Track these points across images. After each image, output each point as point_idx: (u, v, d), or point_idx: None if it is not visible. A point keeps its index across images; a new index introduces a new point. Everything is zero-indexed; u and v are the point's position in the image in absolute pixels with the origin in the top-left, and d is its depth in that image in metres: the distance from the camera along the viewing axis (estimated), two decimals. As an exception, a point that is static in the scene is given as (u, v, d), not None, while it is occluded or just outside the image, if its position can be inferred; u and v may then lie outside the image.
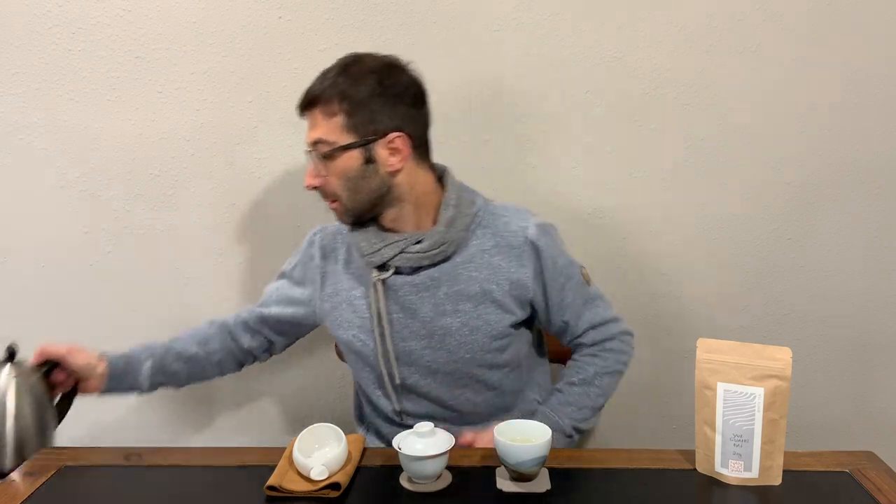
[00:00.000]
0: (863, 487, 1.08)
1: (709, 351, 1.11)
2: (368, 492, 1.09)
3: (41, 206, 1.64)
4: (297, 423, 1.76)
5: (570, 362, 1.38)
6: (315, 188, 1.26)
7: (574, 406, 1.31)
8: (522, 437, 1.09)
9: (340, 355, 1.53)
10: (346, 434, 1.14)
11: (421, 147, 1.27)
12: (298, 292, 1.39)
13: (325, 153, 1.22)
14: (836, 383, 1.74)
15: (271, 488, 1.06)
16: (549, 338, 1.48)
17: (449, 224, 1.26)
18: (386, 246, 1.26)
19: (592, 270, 1.68)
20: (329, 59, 1.57)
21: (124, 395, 1.39)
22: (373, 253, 1.27)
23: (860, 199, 1.64)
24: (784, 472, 1.10)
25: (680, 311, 1.71)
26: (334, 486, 1.06)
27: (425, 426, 1.08)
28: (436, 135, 1.61)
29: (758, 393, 1.07)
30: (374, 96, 1.20)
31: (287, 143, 1.62)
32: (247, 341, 1.42)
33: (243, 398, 1.76)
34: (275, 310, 1.41)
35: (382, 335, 1.30)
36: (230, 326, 1.43)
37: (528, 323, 1.37)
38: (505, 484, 1.08)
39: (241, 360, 1.45)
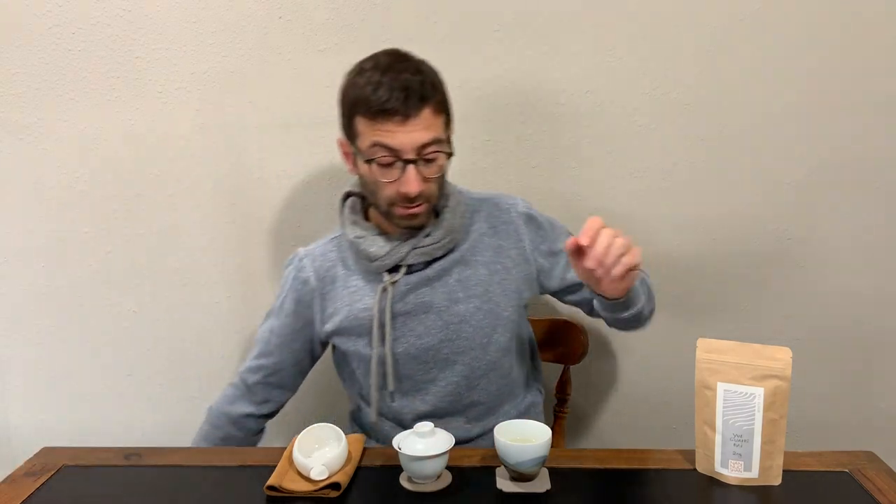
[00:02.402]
0: (863, 487, 1.08)
1: (709, 351, 1.11)
2: (368, 492, 1.09)
3: (41, 207, 1.64)
4: (297, 423, 1.76)
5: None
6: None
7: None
8: (522, 437, 1.09)
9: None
10: (345, 434, 1.14)
11: None
12: (297, 324, 1.35)
13: (447, 152, 1.19)
14: (836, 383, 1.74)
15: (271, 488, 1.07)
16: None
17: (453, 212, 1.27)
18: (397, 246, 1.25)
19: (592, 270, 1.68)
20: (329, 59, 1.58)
21: None
22: (385, 255, 1.25)
23: (860, 199, 1.64)
24: (784, 472, 1.10)
25: (680, 311, 1.71)
26: (334, 486, 1.07)
27: (425, 426, 1.08)
28: (436, 135, 1.61)
29: (758, 393, 1.07)
30: (447, 94, 1.21)
31: (287, 142, 1.62)
32: (254, 422, 1.41)
33: (243, 398, 1.76)
34: (276, 361, 1.37)
35: (383, 339, 1.28)
36: (235, 417, 1.38)
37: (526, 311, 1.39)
38: (505, 484, 1.08)
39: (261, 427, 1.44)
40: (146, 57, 1.57)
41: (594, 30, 1.56)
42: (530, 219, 1.33)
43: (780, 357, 1.08)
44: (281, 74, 1.58)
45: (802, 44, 1.57)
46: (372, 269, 1.29)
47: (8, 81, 1.58)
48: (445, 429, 1.12)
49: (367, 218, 1.33)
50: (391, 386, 1.30)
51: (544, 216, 1.36)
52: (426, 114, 1.14)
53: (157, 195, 1.64)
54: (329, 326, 1.33)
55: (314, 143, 1.62)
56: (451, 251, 1.28)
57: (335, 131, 1.61)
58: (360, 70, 1.19)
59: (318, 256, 1.35)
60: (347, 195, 1.35)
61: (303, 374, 1.42)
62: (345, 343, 1.33)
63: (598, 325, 1.66)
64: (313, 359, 1.41)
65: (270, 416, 1.43)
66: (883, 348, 1.72)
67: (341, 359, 1.40)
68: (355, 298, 1.31)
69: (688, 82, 1.59)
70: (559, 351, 1.56)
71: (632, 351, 1.73)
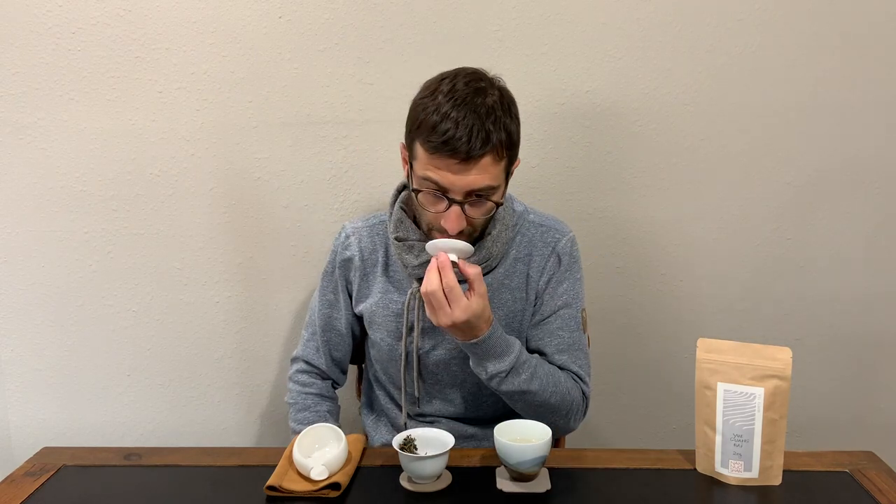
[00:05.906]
0: (863, 487, 1.08)
1: (709, 351, 1.11)
2: (368, 492, 1.09)
3: (41, 207, 1.64)
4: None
5: None
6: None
7: (514, 355, 1.18)
8: (522, 437, 1.09)
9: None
10: (346, 434, 1.14)
11: None
12: (344, 297, 1.38)
13: (496, 201, 1.15)
14: (836, 383, 1.74)
15: (271, 488, 1.07)
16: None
17: (495, 240, 1.24)
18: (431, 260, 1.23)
19: (592, 271, 1.68)
20: (329, 59, 1.58)
21: None
22: (418, 266, 1.24)
23: (860, 199, 1.64)
24: (784, 472, 1.10)
25: (680, 311, 1.71)
26: (334, 486, 1.07)
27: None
28: (436, 135, 1.61)
29: (758, 393, 1.07)
30: (519, 128, 1.16)
31: (287, 143, 1.62)
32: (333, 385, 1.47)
33: (243, 398, 1.76)
34: (346, 336, 1.40)
35: (411, 343, 1.29)
36: (328, 391, 1.44)
37: None
38: (505, 484, 1.08)
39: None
40: (146, 57, 1.57)
41: (593, 30, 1.56)
42: (559, 260, 1.29)
43: (780, 357, 1.08)
44: (281, 74, 1.58)
45: (802, 44, 1.57)
46: (405, 272, 1.29)
47: (8, 81, 1.58)
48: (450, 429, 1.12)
49: (415, 217, 1.29)
50: (417, 392, 1.32)
51: (576, 266, 1.31)
52: (486, 161, 1.10)
53: (157, 195, 1.64)
54: (361, 307, 1.35)
55: (314, 143, 1.62)
56: (486, 273, 1.26)
57: (335, 131, 1.62)
58: (434, 91, 1.13)
59: (365, 237, 1.35)
60: (403, 187, 1.31)
61: (355, 340, 1.44)
62: (369, 328, 1.36)
63: (598, 325, 1.66)
64: (361, 327, 1.42)
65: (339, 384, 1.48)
66: (883, 348, 1.72)
67: (366, 337, 1.42)
68: (388, 289, 1.32)
69: (688, 82, 1.59)
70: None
71: (632, 351, 1.73)
